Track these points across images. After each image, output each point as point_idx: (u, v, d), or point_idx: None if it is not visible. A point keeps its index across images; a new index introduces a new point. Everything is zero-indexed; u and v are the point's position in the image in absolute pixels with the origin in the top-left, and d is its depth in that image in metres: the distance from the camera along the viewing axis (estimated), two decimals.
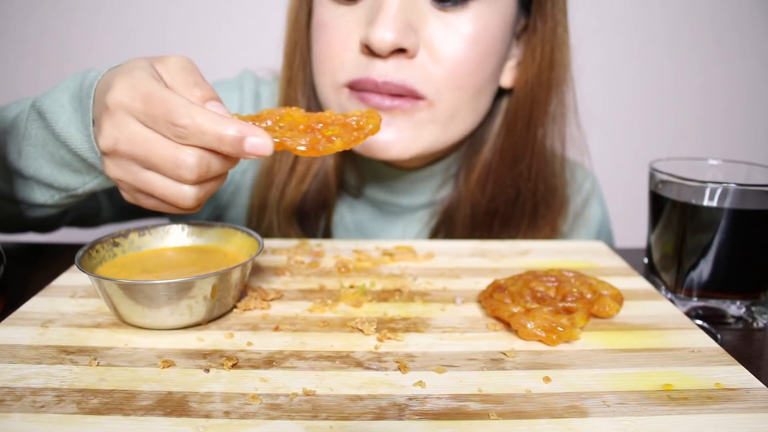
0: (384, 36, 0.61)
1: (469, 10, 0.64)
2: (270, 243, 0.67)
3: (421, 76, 0.64)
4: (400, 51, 0.63)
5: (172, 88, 0.46)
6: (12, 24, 1.33)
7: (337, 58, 0.66)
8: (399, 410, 0.37)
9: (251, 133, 0.44)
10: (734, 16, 1.40)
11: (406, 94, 0.65)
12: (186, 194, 0.45)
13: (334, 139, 0.48)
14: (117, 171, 0.47)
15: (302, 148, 0.47)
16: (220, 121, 0.43)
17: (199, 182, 0.45)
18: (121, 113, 0.45)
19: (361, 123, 0.49)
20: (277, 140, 0.46)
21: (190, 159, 0.44)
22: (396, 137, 0.66)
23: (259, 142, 0.44)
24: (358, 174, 0.78)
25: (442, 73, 0.64)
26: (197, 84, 0.47)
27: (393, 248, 0.65)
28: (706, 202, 0.54)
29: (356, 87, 0.66)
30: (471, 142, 0.76)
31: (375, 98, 0.65)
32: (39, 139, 0.57)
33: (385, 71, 0.64)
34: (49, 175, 0.58)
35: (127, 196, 0.50)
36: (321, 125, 0.49)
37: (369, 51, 0.64)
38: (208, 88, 0.47)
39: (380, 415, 0.37)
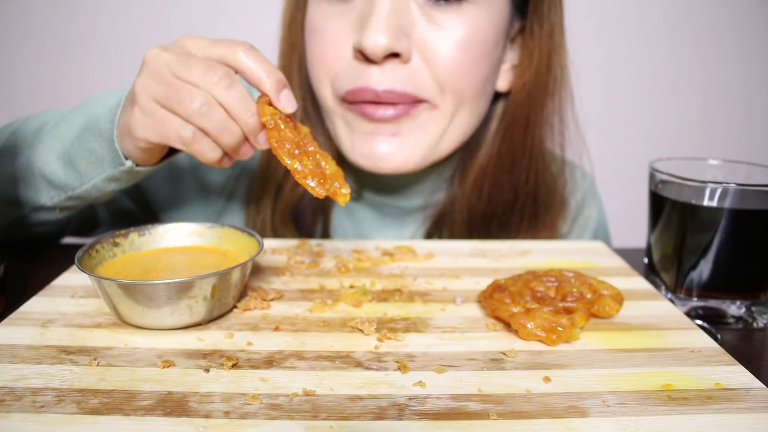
0: (377, 40, 0.60)
1: (462, 13, 0.63)
2: (270, 243, 0.67)
3: (417, 81, 0.64)
4: (394, 56, 0.63)
5: None
6: (12, 24, 1.33)
7: (332, 66, 0.66)
8: (399, 410, 0.37)
9: (288, 89, 0.52)
10: (734, 17, 1.40)
11: (409, 101, 0.64)
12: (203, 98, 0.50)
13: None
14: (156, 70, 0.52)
15: (312, 183, 0.52)
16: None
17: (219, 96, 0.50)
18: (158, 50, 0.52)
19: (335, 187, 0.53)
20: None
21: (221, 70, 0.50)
22: (399, 148, 0.66)
23: (292, 98, 0.52)
24: (357, 177, 0.78)
25: (437, 77, 0.64)
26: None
27: (393, 248, 0.65)
28: (706, 202, 0.54)
29: (354, 98, 0.64)
30: (466, 145, 0.76)
31: (376, 111, 0.64)
32: (67, 132, 0.62)
33: (383, 79, 0.63)
34: (53, 172, 0.61)
35: (150, 105, 0.52)
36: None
37: (363, 57, 0.63)
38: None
39: (380, 415, 0.37)
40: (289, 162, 0.51)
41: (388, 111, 0.64)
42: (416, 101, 0.65)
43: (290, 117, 0.53)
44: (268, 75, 0.51)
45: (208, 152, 0.52)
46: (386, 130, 0.66)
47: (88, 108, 0.62)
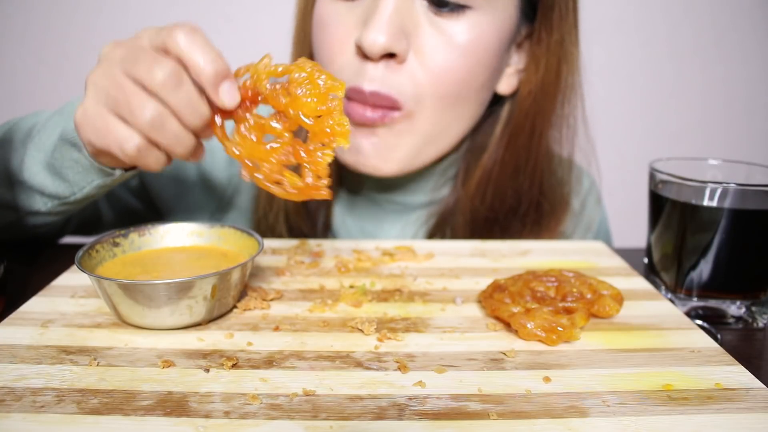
0: (376, 39, 0.61)
1: (465, 19, 0.64)
2: (270, 243, 0.67)
3: (407, 83, 0.64)
4: (391, 56, 0.63)
5: None
6: (12, 24, 1.33)
7: (336, 60, 0.67)
8: (399, 410, 0.37)
9: (230, 80, 0.46)
10: (734, 17, 1.40)
11: (389, 106, 0.65)
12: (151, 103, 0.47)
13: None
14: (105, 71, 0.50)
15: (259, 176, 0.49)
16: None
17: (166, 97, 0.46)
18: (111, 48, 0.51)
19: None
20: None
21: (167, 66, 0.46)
22: (377, 148, 0.67)
23: (233, 91, 0.47)
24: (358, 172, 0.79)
25: (429, 80, 0.64)
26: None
27: (393, 248, 0.65)
28: (706, 202, 0.54)
29: (347, 94, 0.66)
30: (470, 146, 0.76)
31: (359, 111, 0.65)
32: (46, 144, 0.60)
33: (374, 78, 0.64)
34: (42, 182, 0.60)
35: (105, 103, 0.48)
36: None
37: (362, 53, 0.64)
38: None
39: (380, 415, 0.37)
40: (272, 187, 0.48)
41: (367, 112, 0.65)
42: (394, 107, 0.65)
43: (273, 92, 0.47)
44: (206, 64, 0.45)
45: (152, 164, 0.49)
46: (365, 130, 0.67)
47: (65, 115, 0.60)
